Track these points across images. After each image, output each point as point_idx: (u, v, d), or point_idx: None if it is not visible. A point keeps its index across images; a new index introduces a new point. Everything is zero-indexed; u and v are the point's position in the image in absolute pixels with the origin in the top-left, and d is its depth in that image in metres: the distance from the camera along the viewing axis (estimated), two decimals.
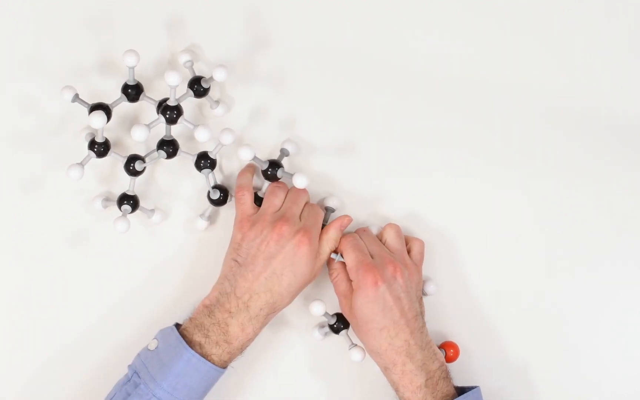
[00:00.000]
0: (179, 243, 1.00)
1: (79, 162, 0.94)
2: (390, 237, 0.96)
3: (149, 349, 0.91)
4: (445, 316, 1.00)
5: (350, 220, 0.96)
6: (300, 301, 0.98)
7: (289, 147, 0.99)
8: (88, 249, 0.99)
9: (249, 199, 0.95)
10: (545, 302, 1.01)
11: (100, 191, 0.99)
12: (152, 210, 0.98)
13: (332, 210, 0.99)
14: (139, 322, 0.98)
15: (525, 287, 1.01)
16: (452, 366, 0.97)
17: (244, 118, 1.00)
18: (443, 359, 0.93)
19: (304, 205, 0.96)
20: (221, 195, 0.97)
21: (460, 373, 0.99)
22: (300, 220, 0.93)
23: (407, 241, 0.98)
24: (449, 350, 0.97)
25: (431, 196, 1.01)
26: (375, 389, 0.99)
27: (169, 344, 0.90)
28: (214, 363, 0.90)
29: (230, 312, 0.90)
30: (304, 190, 0.97)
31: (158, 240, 1.00)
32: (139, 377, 0.89)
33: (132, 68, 0.94)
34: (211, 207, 0.99)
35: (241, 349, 0.92)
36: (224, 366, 0.91)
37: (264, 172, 0.97)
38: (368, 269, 0.91)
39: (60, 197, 0.98)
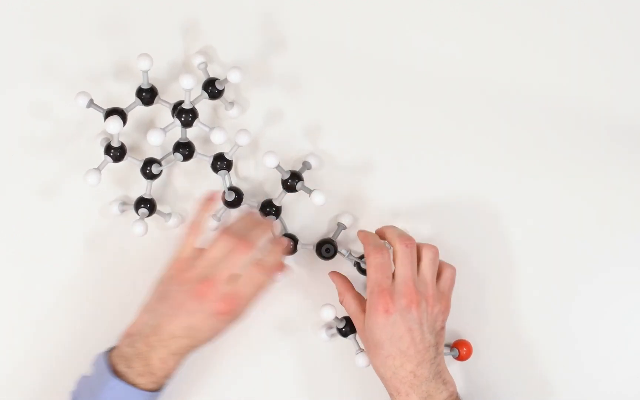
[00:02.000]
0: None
1: (96, 167, 0.94)
2: (425, 261, 0.92)
3: (85, 375, 0.90)
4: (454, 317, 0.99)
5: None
6: (306, 303, 0.99)
7: (312, 161, 0.99)
8: (104, 252, 0.99)
9: (192, 241, 0.91)
10: (547, 301, 1.00)
11: (117, 195, 0.99)
12: (169, 214, 0.98)
13: (344, 227, 0.99)
14: None
15: (526, 286, 1.00)
16: (462, 365, 0.96)
17: (259, 119, 1.00)
18: (454, 388, 0.90)
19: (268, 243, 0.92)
20: (236, 197, 0.97)
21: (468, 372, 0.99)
22: (239, 278, 0.89)
23: (439, 266, 0.94)
24: (462, 349, 0.96)
25: (436, 198, 1.00)
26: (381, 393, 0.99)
27: (97, 371, 0.89)
28: (140, 388, 0.88)
29: (151, 346, 0.88)
30: (265, 225, 0.92)
31: (175, 244, 0.99)
32: None
33: (146, 72, 0.94)
34: (224, 208, 0.98)
35: (167, 377, 0.89)
36: (154, 390, 0.89)
37: (284, 182, 0.96)
38: (381, 294, 0.89)
39: (77, 202, 0.99)
